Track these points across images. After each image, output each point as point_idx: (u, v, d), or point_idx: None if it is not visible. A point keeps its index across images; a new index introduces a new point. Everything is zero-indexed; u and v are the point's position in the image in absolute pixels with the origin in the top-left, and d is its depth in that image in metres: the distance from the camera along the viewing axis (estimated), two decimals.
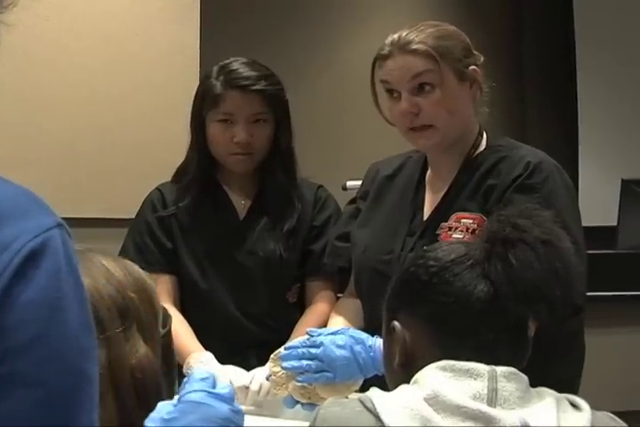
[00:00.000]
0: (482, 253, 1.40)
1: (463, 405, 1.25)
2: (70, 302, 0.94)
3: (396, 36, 2.17)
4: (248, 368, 2.37)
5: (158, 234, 2.59)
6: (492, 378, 1.31)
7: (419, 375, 1.34)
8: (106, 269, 1.36)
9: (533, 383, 1.36)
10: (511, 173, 2.13)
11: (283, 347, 2.14)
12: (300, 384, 2.07)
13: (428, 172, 2.31)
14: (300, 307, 2.63)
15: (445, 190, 2.22)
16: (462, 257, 1.41)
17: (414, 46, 2.13)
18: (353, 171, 4.48)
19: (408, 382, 1.37)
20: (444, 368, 1.32)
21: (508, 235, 1.38)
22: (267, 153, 2.58)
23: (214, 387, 1.41)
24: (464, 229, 2.12)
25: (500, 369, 1.33)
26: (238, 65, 2.54)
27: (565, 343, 2.06)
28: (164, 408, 1.35)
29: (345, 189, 3.98)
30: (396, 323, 1.43)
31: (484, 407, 1.26)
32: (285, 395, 2.12)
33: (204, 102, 2.55)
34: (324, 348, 2.02)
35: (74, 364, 0.93)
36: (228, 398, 1.41)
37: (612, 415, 1.38)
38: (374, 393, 1.33)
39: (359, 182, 4.30)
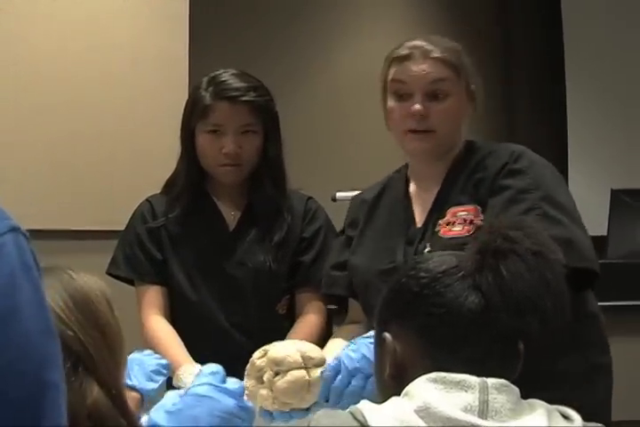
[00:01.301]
0: (473, 264, 1.39)
1: (454, 417, 1.24)
2: (26, 310, 0.91)
3: (416, 42, 2.22)
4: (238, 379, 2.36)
5: (148, 245, 2.59)
6: (483, 390, 1.30)
7: (409, 387, 1.33)
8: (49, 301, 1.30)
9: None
10: (497, 163, 2.18)
11: (257, 351, 2.09)
12: (264, 392, 2.01)
13: (412, 186, 2.33)
14: (290, 318, 2.62)
15: (435, 195, 2.24)
16: (453, 268, 1.41)
17: (438, 55, 2.18)
18: (342, 182, 4.50)
19: (399, 393, 1.36)
20: (434, 380, 1.32)
21: (499, 246, 1.38)
22: (256, 164, 2.57)
23: (223, 382, 1.38)
24: (462, 222, 2.14)
25: (491, 381, 1.32)
26: (228, 76, 2.54)
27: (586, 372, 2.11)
28: (169, 400, 1.32)
29: (334, 200, 3.99)
30: (386, 334, 1.42)
31: (476, 420, 1.25)
32: (259, 408, 2.07)
33: (193, 113, 2.55)
34: None
35: (34, 374, 0.91)
36: (236, 394, 1.38)
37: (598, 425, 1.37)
38: (365, 405, 1.32)
39: (349, 193, 4.31)
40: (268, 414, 2.07)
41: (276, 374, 2.01)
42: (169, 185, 2.65)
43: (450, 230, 2.14)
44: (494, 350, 1.38)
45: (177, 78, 3.88)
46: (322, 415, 1.33)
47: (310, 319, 2.56)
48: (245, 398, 2.02)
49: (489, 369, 1.35)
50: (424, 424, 1.25)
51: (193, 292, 2.56)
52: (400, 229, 2.26)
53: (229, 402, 1.36)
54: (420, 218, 2.26)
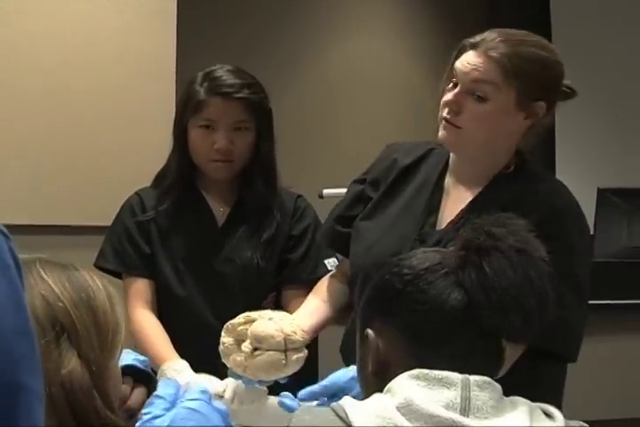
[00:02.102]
0: (456, 261, 1.40)
1: (436, 414, 1.25)
2: (0, 310, 0.88)
3: (495, 33, 2.10)
4: (222, 376, 2.36)
5: (137, 238, 2.59)
6: (466, 387, 1.30)
7: (392, 384, 1.33)
8: (41, 279, 1.31)
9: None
10: (532, 215, 1.96)
11: (238, 317, 2.12)
12: (239, 358, 2.07)
13: (448, 176, 2.23)
14: None
15: (463, 207, 2.16)
16: (436, 265, 1.41)
17: (493, 53, 2.05)
18: (329, 179, 4.50)
19: (381, 390, 1.36)
20: (417, 377, 1.32)
21: (482, 243, 1.38)
22: (247, 161, 2.58)
23: (210, 402, 1.40)
24: None
25: (474, 378, 1.32)
26: (223, 72, 2.55)
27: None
28: (154, 409, 1.32)
29: (322, 197, 3.99)
30: (369, 331, 1.42)
31: (457, 417, 1.26)
32: (230, 368, 2.13)
33: (186, 108, 2.55)
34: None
35: (7, 376, 0.87)
36: (225, 414, 1.40)
37: (584, 425, 1.38)
38: (347, 402, 1.32)
39: (336, 191, 4.32)
40: (236, 375, 2.11)
41: (255, 349, 2.04)
42: (159, 178, 2.65)
43: None
44: (477, 347, 1.38)
45: (165, 74, 3.87)
46: (302, 413, 1.33)
47: None
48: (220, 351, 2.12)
49: (471, 366, 1.36)
50: (406, 422, 1.25)
51: (180, 287, 2.57)
52: (418, 217, 2.19)
53: (218, 421, 1.37)
54: (443, 216, 2.18)
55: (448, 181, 2.22)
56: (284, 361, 2.04)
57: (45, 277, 1.31)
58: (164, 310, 2.59)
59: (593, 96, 5.72)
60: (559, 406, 2.11)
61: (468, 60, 2.08)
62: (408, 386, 1.31)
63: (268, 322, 2.08)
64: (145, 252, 2.59)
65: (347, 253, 2.33)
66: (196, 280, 2.57)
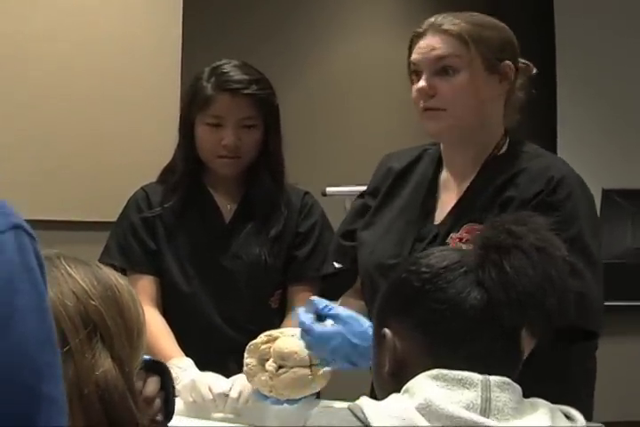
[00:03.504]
0: (476, 259, 1.37)
1: (457, 415, 1.22)
2: (24, 317, 0.84)
3: (435, 16, 2.11)
4: (228, 374, 2.35)
5: (142, 234, 2.56)
6: (486, 388, 1.28)
7: (410, 384, 1.31)
8: (69, 275, 1.28)
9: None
10: (531, 188, 2.04)
11: (259, 336, 2.11)
12: (264, 378, 2.06)
13: (443, 171, 2.21)
14: (282, 313, 2.61)
15: (460, 196, 2.13)
16: (456, 264, 1.38)
17: (447, 27, 2.06)
18: (333, 177, 4.47)
19: (398, 390, 1.34)
20: (436, 377, 1.30)
21: (502, 241, 1.35)
22: (254, 157, 2.56)
23: None
24: None
25: (494, 379, 1.30)
26: (230, 68, 2.52)
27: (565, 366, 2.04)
28: None
29: (325, 194, 3.98)
30: (386, 330, 1.40)
31: (479, 418, 1.23)
32: (255, 389, 2.12)
33: (193, 103, 2.53)
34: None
35: (29, 387, 0.84)
36: None
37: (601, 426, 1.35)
38: (364, 402, 1.30)
39: (339, 189, 4.30)
40: (263, 396, 2.10)
41: (280, 366, 2.01)
42: (165, 174, 2.63)
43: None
44: (496, 347, 1.35)
45: (170, 69, 3.85)
46: (319, 414, 1.31)
47: None
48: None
49: (490, 366, 1.33)
50: (426, 422, 1.23)
51: (186, 284, 2.54)
52: (416, 218, 2.17)
53: None
54: (440, 211, 2.16)
55: (443, 175, 2.20)
56: (310, 377, 2.03)
57: (73, 273, 1.28)
58: (170, 307, 2.56)
59: (597, 96, 5.71)
60: (591, 395, 2.12)
61: (422, 46, 2.08)
62: (427, 387, 1.28)
63: (290, 339, 2.06)
64: (150, 248, 2.56)
65: (356, 266, 2.30)
66: (201, 277, 2.55)
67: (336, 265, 2.42)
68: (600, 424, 1.34)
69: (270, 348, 2.06)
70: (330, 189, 4.21)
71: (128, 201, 2.64)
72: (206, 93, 2.50)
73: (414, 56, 2.09)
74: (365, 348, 1.86)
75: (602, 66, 5.70)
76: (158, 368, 1.50)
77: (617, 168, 5.35)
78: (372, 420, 1.25)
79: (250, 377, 2.12)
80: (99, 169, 3.75)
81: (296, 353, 2.01)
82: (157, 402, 1.43)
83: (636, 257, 4.85)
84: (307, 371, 2.02)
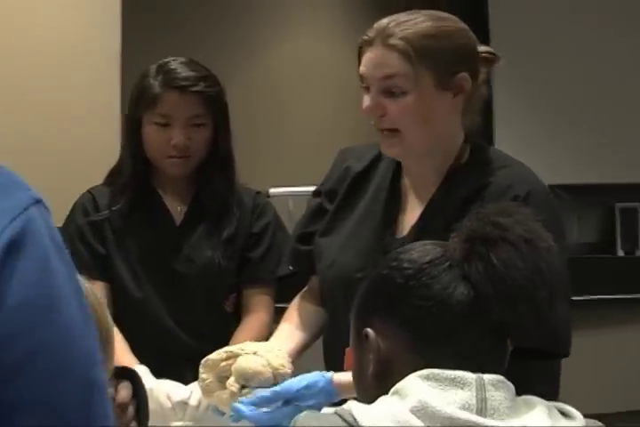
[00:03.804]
0: (461, 253, 1.31)
1: (456, 416, 1.16)
2: (67, 298, 0.78)
3: (385, 21, 1.97)
4: (184, 381, 2.28)
5: (90, 239, 2.47)
6: (481, 387, 1.22)
7: (400, 386, 1.24)
8: None
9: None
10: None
11: (217, 352, 2.04)
12: (225, 396, 1.99)
13: (405, 178, 2.10)
14: (237, 317, 2.53)
15: (424, 208, 2.04)
16: (439, 258, 1.33)
17: (394, 41, 1.91)
18: (276, 178, 4.42)
19: (382, 393, 1.27)
20: (427, 377, 1.23)
21: (489, 233, 1.30)
22: (204, 156, 2.48)
23: None
24: None
25: (488, 377, 1.24)
26: (177, 65, 2.44)
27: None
28: None
29: (268, 196, 3.92)
30: (368, 330, 1.33)
31: (478, 418, 1.18)
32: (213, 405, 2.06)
33: (140, 102, 2.44)
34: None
35: (82, 374, 0.78)
36: None
37: (600, 424, 1.30)
38: (353, 406, 1.23)
39: (283, 189, 4.24)
40: (220, 413, 2.03)
41: (243, 386, 1.94)
42: (112, 176, 2.54)
43: None
44: (485, 343, 1.30)
45: (109, 69, 3.77)
46: (307, 418, 1.24)
47: (259, 317, 2.49)
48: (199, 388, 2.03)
49: (480, 364, 1.28)
50: (423, 425, 1.16)
51: (137, 288, 2.46)
52: (378, 227, 2.07)
53: None
54: (403, 222, 2.06)
55: (404, 182, 2.10)
56: None
57: None
58: (121, 313, 2.46)
59: (535, 90, 5.71)
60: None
61: (369, 59, 1.96)
62: (419, 388, 1.22)
63: (252, 357, 1.98)
64: (99, 253, 2.47)
65: (314, 271, 2.21)
66: (153, 282, 2.47)
67: (291, 269, 2.35)
68: (597, 422, 1.29)
69: (230, 366, 1.99)
70: (273, 191, 4.17)
71: (74, 205, 2.55)
72: (153, 92, 2.41)
73: (362, 69, 1.98)
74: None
75: (539, 62, 5.70)
76: (128, 375, 1.43)
77: (562, 163, 5.36)
78: (364, 424, 1.18)
79: (207, 393, 2.05)
80: (39, 173, 3.63)
81: (260, 373, 1.95)
82: (131, 409, 1.36)
83: (582, 252, 4.87)
84: None
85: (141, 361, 2.34)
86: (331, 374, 1.94)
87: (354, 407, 1.22)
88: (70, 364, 0.77)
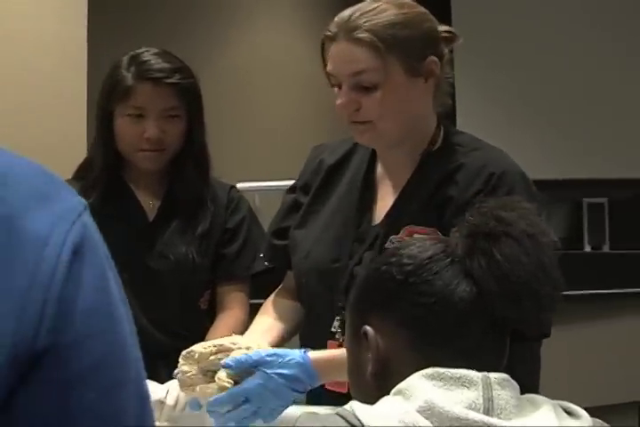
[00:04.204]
0: (462, 248, 1.27)
1: (464, 417, 1.12)
2: (120, 306, 0.77)
3: (346, 13, 1.93)
4: (158, 379, 2.21)
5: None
6: (487, 386, 1.18)
7: (403, 385, 1.20)
8: None
9: None
10: (471, 186, 1.92)
11: (204, 345, 1.98)
12: (209, 391, 1.92)
13: (379, 166, 2.10)
14: (212, 314, 2.48)
15: (397, 195, 2.02)
16: (440, 253, 1.29)
17: (360, 35, 1.88)
18: (242, 172, 4.37)
19: (382, 393, 1.23)
20: (432, 377, 1.19)
21: (491, 228, 1.26)
22: (178, 150, 2.42)
23: None
24: None
25: (494, 376, 1.20)
26: (150, 56, 2.38)
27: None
28: None
29: None
30: (367, 328, 1.29)
31: (488, 419, 1.14)
32: (191, 397, 1.99)
33: (112, 94, 2.37)
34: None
35: (137, 386, 0.76)
36: None
37: (603, 423, 1.27)
38: (356, 406, 1.18)
39: (249, 184, 4.20)
40: (197, 405, 1.98)
41: (235, 382, 1.90)
42: (82, 170, 2.47)
43: None
44: (487, 340, 1.27)
45: (75, 61, 3.70)
46: (307, 419, 1.19)
47: (234, 314, 2.44)
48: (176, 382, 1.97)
49: (482, 362, 1.24)
50: (431, 425, 1.12)
51: None
52: (352, 216, 2.06)
53: None
54: (379, 210, 2.05)
55: (379, 171, 2.10)
56: None
57: None
58: None
59: (499, 83, 5.69)
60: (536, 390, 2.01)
61: (335, 55, 1.93)
62: (424, 387, 1.18)
63: (246, 354, 1.92)
64: None
65: (289, 266, 2.18)
66: (126, 278, 2.31)
67: (267, 265, 2.31)
68: (602, 422, 1.26)
69: (220, 360, 1.93)
70: (240, 185, 4.10)
71: None
72: (126, 84, 2.35)
73: (329, 66, 1.95)
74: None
75: (503, 55, 5.68)
76: None
77: (527, 158, 5.32)
78: (368, 425, 1.14)
79: (185, 386, 1.98)
80: None
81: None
82: None
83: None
84: None
85: None
86: (309, 352, 1.91)
87: (357, 408, 1.17)
88: (128, 375, 0.75)
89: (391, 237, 1.97)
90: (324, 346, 2.00)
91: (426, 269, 1.27)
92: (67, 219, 0.74)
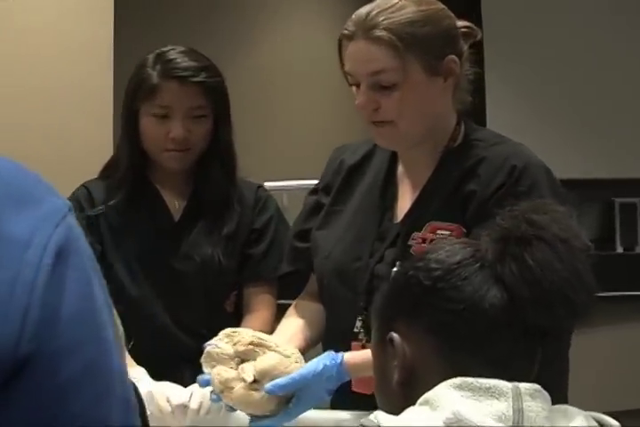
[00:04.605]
0: (493, 253, 1.23)
1: None
2: (105, 313, 0.73)
3: (364, 11, 1.89)
4: (182, 382, 2.19)
5: (85, 235, 2.36)
6: (517, 397, 1.14)
7: (430, 395, 1.16)
8: None
9: None
10: (493, 180, 1.89)
11: (244, 329, 1.99)
12: (227, 373, 1.89)
13: (400, 166, 2.07)
14: (238, 316, 2.44)
15: (419, 192, 2.00)
16: (470, 258, 1.25)
17: (378, 33, 1.84)
18: (271, 171, 4.34)
19: (408, 403, 1.19)
20: (460, 387, 1.15)
21: (523, 232, 1.22)
22: (204, 150, 2.39)
23: None
24: None
25: (524, 386, 1.16)
26: (176, 54, 2.35)
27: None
28: None
29: None
30: (394, 335, 1.25)
31: None
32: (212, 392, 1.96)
33: (137, 93, 2.34)
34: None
35: (121, 394, 0.72)
36: None
37: None
38: (381, 417, 1.15)
39: (277, 183, 4.17)
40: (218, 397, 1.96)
41: (254, 381, 1.87)
42: (108, 170, 2.45)
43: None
44: (518, 348, 1.23)
45: (102, 61, 3.70)
46: None
47: (262, 315, 2.40)
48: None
49: (513, 370, 1.20)
50: None
51: (134, 287, 2.36)
52: (374, 216, 2.04)
53: None
54: (400, 208, 2.03)
55: (399, 170, 2.07)
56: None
57: None
58: (118, 312, 2.36)
59: (526, 86, 5.63)
60: (564, 399, 1.96)
61: (353, 54, 1.90)
62: (452, 398, 1.13)
63: (284, 360, 1.90)
64: (95, 249, 2.36)
65: (312, 268, 2.16)
66: (151, 280, 2.37)
67: (289, 269, 2.29)
68: None
69: (256, 352, 1.90)
70: (268, 184, 4.07)
71: (68, 199, 2.44)
72: (152, 82, 2.32)
73: (348, 66, 1.92)
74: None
75: (530, 60, 5.61)
76: None
77: (560, 157, 5.26)
78: None
79: (209, 360, 1.93)
80: (33, 167, 3.55)
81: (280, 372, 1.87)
82: None
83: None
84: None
85: (138, 362, 2.25)
86: (341, 356, 1.89)
87: (382, 419, 1.13)
88: (114, 383, 0.72)
89: (413, 234, 1.94)
90: (347, 347, 1.98)
91: (454, 274, 1.23)
92: (50, 221, 0.71)
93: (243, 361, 1.91)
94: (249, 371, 1.87)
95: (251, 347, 1.91)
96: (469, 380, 1.15)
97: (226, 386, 1.90)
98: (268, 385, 1.85)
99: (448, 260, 1.25)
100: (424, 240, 1.92)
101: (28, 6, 3.61)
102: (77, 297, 0.70)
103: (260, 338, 1.93)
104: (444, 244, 1.31)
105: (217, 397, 1.94)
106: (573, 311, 1.21)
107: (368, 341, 1.94)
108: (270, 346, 1.90)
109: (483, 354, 1.21)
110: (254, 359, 1.90)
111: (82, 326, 0.69)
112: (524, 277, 1.20)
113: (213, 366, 1.93)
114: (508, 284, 1.21)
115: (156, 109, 2.32)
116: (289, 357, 1.89)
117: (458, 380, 1.16)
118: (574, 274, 1.20)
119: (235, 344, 1.92)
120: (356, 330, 1.99)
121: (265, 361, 1.88)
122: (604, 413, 1.23)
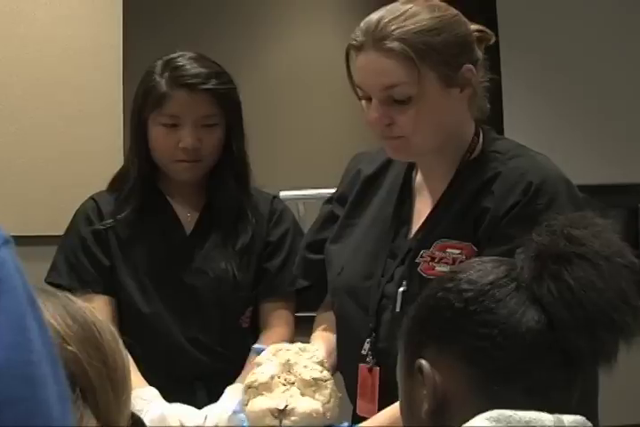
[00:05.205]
0: (530, 272, 1.13)
1: None
2: (43, 365, 0.64)
3: (374, 18, 1.78)
4: (196, 402, 2.13)
5: (94, 250, 2.29)
6: None
7: None
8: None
9: None
10: (507, 198, 1.80)
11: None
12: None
13: (418, 175, 1.99)
14: (254, 333, 2.35)
15: (432, 207, 1.91)
16: (504, 278, 1.15)
17: (390, 44, 1.74)
18: (286, 181, 4.26)
19: None
20: (498, 420, 1.05)
21: (562, 249, 1.12)
22: (216, 160, 2.30)
23: None
24: (449, 262, 1.81)
25: (568, 419, 1.06)
26: (185, 60, 2.26)
27: None
28: None
29: None
30: (423, 362, 1.15)
31: None
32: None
33: (146, 102, 2.26)
34: None
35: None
36: None
37: None
38: None
39: (293, 193, 4.09)
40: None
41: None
42: (117, 181, 2.37)
43: (433, 269, 1.83)
44: (558, 376, 1.13)
45: (110, 68, 3.63)
46: None
47: (280, 331, 2.32)
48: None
49: (553, 400, 1.11)
50: None
51: (145, 303, 2.28)
52: (388, 231, 1.96)
53: None
54: (414, 227, 1.94)
55: (417, 180, 1.98)
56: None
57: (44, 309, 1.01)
58: (128, 329, 2.27)
59: (542, 90, 5.54)
60: (594, 417, 1.87)
61: (364, 67, 1.80)
62: None
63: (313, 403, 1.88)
64: (104, 265, 2.29)
65: (326, 280, 2.09)
66: (163, 296, 2.29)
67: (302, 283, 2.20)
68: None
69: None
70: (284, 194, 4.01)
71: (76, 213, 2.37)
72: (160, 90, 2.23)
73: (358, 79, 1.82)
74: None
75: (546, 62, 5.52)
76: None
77: (582, 162, 5.16)
78: None
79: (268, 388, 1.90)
80: (38, 178, 3.51)
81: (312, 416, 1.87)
82: None
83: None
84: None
85: (149, 381, 2.17)
86: None
87: None
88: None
89: (422, 252, 1.86)
90: (356, 370, 1.93)
91: (488, 295, 1.14)
92: None
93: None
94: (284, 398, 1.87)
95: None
96: (507, 413, 1.06)
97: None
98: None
99: (480, 280, 1.16)
100: (432, 258, 1.84)
101: (35, 11, 3.56)
102: (7, 349, 0.61)
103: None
104: (474, 262, 1.21)
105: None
106: (617, 335, 1.11)
107: (375, 364, 1.90)
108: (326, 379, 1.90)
109: (520, 383, 1.12)
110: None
111: (12, 382, 0.61)
112: (563, 297, 1.11)
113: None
114: (546, 305, 1.12)
115: (165, 119, 2.24)
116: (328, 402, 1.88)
117: (495, 413, 1.06)
118: (619, 294, 1.11)
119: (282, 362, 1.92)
120: (363, 352, 1.92)
121: (304, 407, 1.87)
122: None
